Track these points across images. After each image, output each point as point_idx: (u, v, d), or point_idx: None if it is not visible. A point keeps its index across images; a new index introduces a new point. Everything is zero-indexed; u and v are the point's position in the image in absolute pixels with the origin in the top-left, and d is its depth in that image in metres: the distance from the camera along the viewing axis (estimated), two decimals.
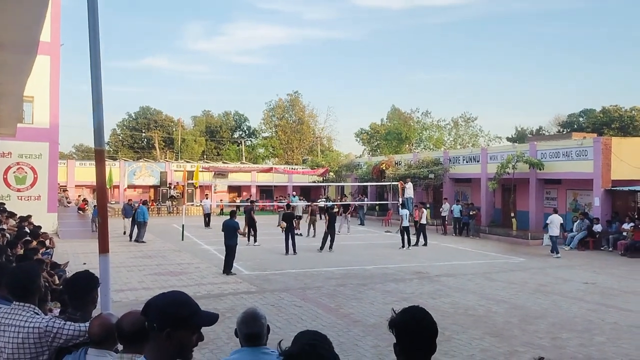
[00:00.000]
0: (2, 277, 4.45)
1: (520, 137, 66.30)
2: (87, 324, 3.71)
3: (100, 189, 5.47)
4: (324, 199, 41.71)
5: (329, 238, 22.75)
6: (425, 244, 24.73)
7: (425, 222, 25.49)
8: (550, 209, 26.41)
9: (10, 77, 9.53)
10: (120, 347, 3.55)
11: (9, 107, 12.81)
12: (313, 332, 3.14)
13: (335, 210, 25.37)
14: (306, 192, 49.33)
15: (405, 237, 23.84)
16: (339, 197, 46.90)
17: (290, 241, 21.54)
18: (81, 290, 4.13)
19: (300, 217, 30.31)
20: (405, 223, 23.99)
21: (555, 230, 22.51)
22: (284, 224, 18.35)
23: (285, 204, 26.39)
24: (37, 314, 3.87)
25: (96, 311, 4.21)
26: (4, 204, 20.83)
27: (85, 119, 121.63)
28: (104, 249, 5.29)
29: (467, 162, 34.60)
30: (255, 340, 3.74)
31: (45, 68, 25.39)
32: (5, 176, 26.21)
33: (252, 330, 3.74)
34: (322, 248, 22.58)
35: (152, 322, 2.59)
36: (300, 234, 26.85)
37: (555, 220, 22.63)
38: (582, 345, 9.83)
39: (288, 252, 21.41)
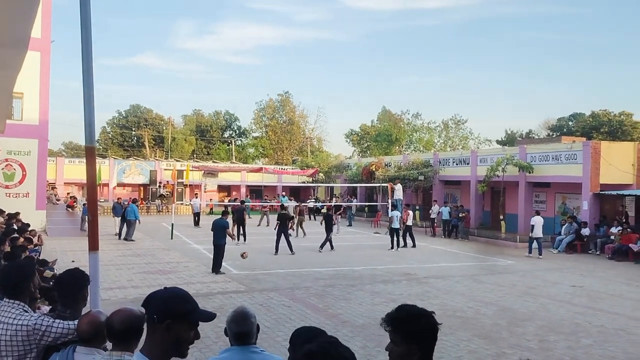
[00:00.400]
0: None
1: (510, 140, 66.55)
2: (77, 321, 3.68)
3: (91, 186, 5.44)
4: (313, 200, 41.70)
5: (329, 237, 23.09)
6: (414, 246, 24.76)
7: (411, 224, 25.52)
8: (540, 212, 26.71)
9: (0, 72, 9.44)
10: (109, 345, 3.55)
11: None
12: (314, 329, 3.12)
13: (325, 211, 25.45)
14: (296, 193, 49.33)
15: (395, 238, 23.90)
16: (328, 198, 46.92)
17: (282, 241, 21.58)
18: (71, 288, 4.12)
19: (292, 218, 30.47)
20: (395, 224, 24.03)
21: (539, 232, 22.94)
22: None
23: (280, 204, 26.36)
24: (26, 312, 3.84)
25: (85, 309, 4.19)
26: None
27: (74, 117, 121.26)
28: (93, 246, 5.25)
29: (457, 164, 34.68)
30: (245, 339, 3.73)
31: (35, 64, 25.20)
32: None
33: (241, 329, 3.73)
34: (331, 246, 23.06)
35: (153, 313, 2.65)
36: (290, 234, 26.90)
37: (539, 222, 23.09)
38: (569, 347, 9.88)
39: (277, 252, 21.41)
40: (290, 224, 22.87)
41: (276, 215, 23.59)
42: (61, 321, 3.81)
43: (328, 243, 23.01)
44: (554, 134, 64.32)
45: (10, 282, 3.94)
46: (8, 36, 7.33)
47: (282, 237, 21.78)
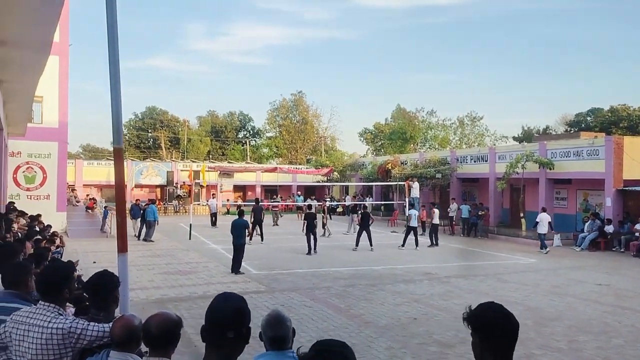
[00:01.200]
0: (26, 276, 4.40)
1: (526, 136, 65.98)
2: (111, 324, 3.65)
3: (119, 187, 5.39)
4: (329, 199, 41.65)
5: (363, 234, 23.07)
6: (436, 245, 24.55)
7: (438, 222, 25.44)
8: (560, 209, 26.46)
9: (23, 76, 9.47)
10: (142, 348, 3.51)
11: (20, 106, 12.76)
12: (333, 341, 3.06)
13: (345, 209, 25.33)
14: (311, 192, 49.27)
15: (413, 236, 23.72)
16: (344, 197, 46.81)
17: (312, 241, 21.56)
18: (103, 290, 4.11)
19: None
20: (414, 223, 23.89)
21: (543, 228, 23.39)
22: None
23: (307, 204, 26.28)
24: (61, 315, 3.81)
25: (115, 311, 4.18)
26: (14, 203, 20.83)
27: (91, 119, 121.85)
28: (122, 248, 5.22)
29: (474, 161, 34.43)
30: (281, 343, 3.64)
31: (54, 68, 25.28)
32: (14, 175, 26.21)
33: (277, 333, 3.64)
34: (356, 245, 23.02)
35: (244, 326, 2.77)
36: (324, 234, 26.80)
37: (544, 219, 23.59)
38: (600, 348, 9.69)
39: (311, 252, 21.38)
40: (316, 223, 22.66)
41: (303, 216, 23.53)
42: (96, 324, 3.78)
43: (361, 239, 23.01)
44: (572, 129, 63.69)
45: (50, 284, 3.91)
46: (32, 40, 7.34)
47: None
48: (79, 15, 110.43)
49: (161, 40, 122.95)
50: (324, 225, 28.40)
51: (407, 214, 25.75)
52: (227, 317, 2.75)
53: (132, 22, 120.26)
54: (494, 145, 52.17)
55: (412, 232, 23.79)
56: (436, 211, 25.84)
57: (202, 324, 2.82)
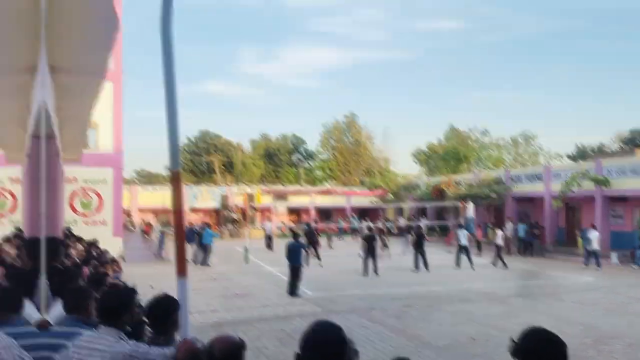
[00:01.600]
0: (86, 300, 4.48)
1: (580, 154, 64.49)
2: (172, 348, 3.68)
3: (177, 211, 5.46)
4: (385, 221, 41.59)
5: (424, 256, 22.91)
6: (493, 263, 24.40)
7: (500, 244, 25.27)
8: (617, 227, 25.98)
9: (79, 102, 9.70)
10: None
11: (76, 132, 13.04)
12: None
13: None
14: (364, 214, 49.14)
15: (464, 256, 23.66)
16: (397, 218, 46.58)
17: (370, 263, 21.54)
18: (163, 314, 4.13)
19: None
20: (463, 242, 23.72)
21: (595, 245, 23.70)
22: None
23: (367, 226, 26.34)
24: (122, 339, 3.86)
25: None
26: (71, 228, 21.31)
27: (146, 144, 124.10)
28: (182, 272, 5.27)
29: (529, 180, 33.94)
30: None
31: (108, 94, 25.72)
32: (71, 202, 26.73)
33: None
34: (417, 267, 22.90)
35: (346, 356, 2.59)
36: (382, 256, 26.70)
37: (595, 236, 23.88)
38: None
39: (368, 274, 21.33)
40: (375, 245, 22.55)
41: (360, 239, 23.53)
42: (157, 348, 3.80)
43: (417, 261, 22.91)
44: (627, 146, 61.93)
45: (109, 310, 3.98)
46: (88, 66, 7.53)
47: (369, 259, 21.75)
48: (132, 43, 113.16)
49: (214, 65, 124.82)
50: (384, 246, 28.23)
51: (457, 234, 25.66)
52: (330, 346, 2.57)
53: (183, 48, 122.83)
54: (548, 163, 51.26)
55: (463, 251, 23.57)
56: (499, 233, 25.66)
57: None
